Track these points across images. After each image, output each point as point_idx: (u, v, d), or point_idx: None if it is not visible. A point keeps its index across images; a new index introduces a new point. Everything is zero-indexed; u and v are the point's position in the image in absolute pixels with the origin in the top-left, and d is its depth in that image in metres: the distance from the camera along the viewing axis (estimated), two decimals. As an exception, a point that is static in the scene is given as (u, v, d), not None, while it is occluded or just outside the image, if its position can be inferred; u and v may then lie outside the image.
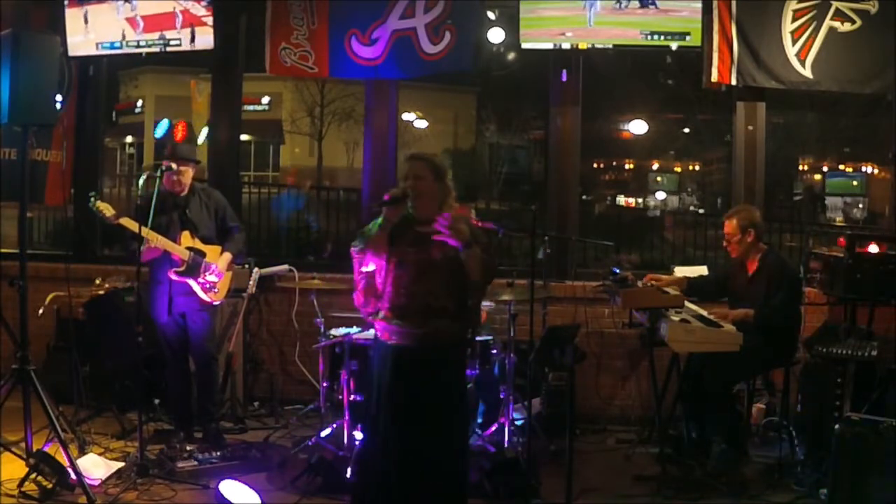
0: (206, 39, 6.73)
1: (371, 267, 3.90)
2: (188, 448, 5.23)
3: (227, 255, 5.59)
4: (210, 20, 6.68)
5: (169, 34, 6.81)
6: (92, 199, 5.27)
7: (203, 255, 5.49)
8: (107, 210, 5.25)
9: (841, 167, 16.43)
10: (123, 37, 6.90)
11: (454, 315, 3.91)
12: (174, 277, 5.41)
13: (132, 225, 5.17)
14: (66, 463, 4.66)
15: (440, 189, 3.96)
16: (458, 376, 4.09)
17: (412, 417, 3.86)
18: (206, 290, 5.49)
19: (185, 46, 6.80)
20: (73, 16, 6.92)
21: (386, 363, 3.93)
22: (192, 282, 5.45)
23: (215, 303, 5.59)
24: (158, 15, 6.81)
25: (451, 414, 3.96)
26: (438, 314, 3.87)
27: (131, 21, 6.88)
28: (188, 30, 6.74)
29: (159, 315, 5.49)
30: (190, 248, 5.44)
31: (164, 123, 20.56)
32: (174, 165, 5.42)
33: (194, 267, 5.45)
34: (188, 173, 5.53)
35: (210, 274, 5.49)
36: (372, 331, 5.40)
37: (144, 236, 5.11)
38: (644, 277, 5.72)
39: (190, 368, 5.68)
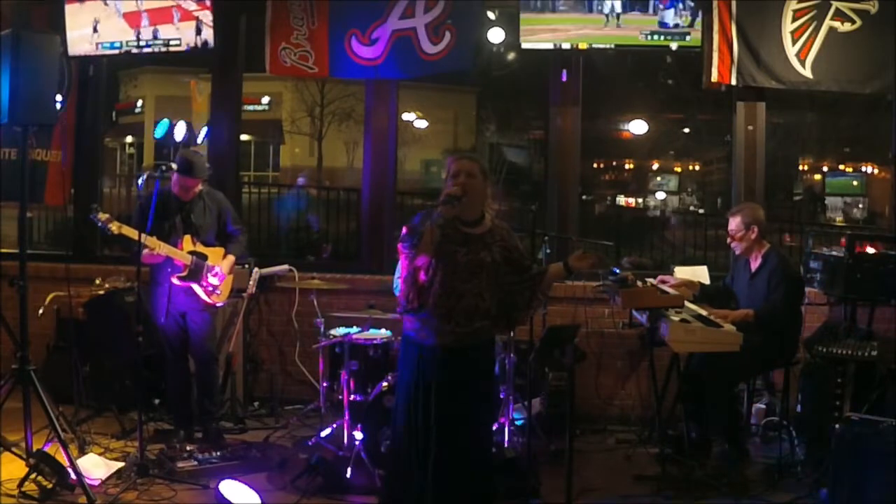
0: (206, 34, 6.70)
1: (418, 263, 3.89)
2: (188, 448, 5.23)
3: (231, 259, 5.61)
4: (201, 14, 6.64)
5: (169, 34, 6.80)
6: (94, 209, 5.28)
7: (205, 257, 5.50)
8: (108, 220, 5.26)
9: (841, 167, 16.41)
10: (138, 37, 6.87)
11: (495, 317, 3.97)
12: (177, 283, 5.43)
13: (134, 234, 5.17)
14: (66, 463, 4.66)
15: (485, 190, 4.00)
16: (492, 375, 4.30)
17: (451, 416, 3.88)
18: (208, 293, 5.51)
19: (190, 42, 6.72)
20: (73, 12, 6.88)
21: (423, 363, 3.93)
22: (195, 286, 5.47)
23: (218, 304, 5.61)
24: (157, 10, 6.79)
25: (485, 411, 4.06)
26: (483, 315, 3.91)
27: (133, 16, 6.85)
28: (192, 23, 6.69)
29: (158, 316, 5.50)
30: (191, 253, 5.46)
31: (164, 123, 20.46)
32: (174, 166, 5.43)
33: (196, 271, 5.46)
34: (198, 185, 5.55)
35: (213, 276, 5.50)
36: (372, 331, 5.49)
37: (147, 244, 5.14)
38: (656, 279, 5.72)
39: (190, 368, 5.69)
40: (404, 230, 3.95)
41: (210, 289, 5.51)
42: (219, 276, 5.53)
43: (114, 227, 5.23)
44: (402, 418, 4.03)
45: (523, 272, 4.03)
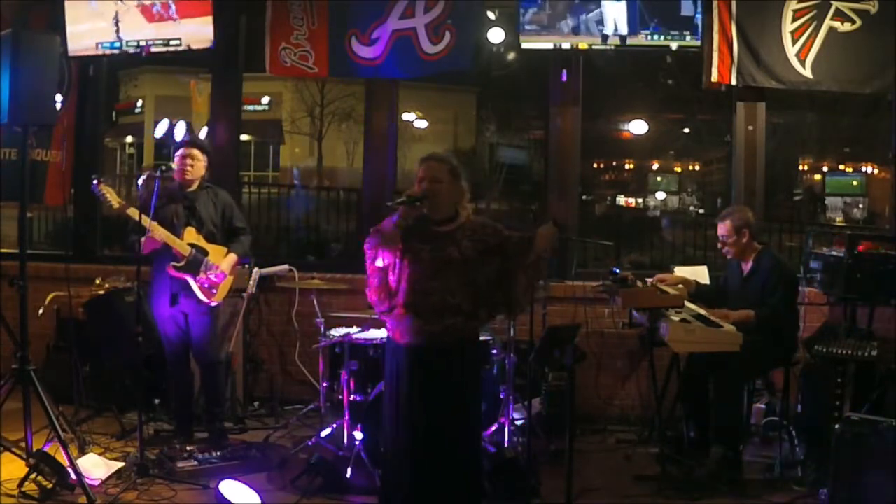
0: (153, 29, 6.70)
1: (381, 262, 3.90)
2: (188, 448, 5.22)
3: (233, 257, 5.54)
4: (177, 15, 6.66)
5: (169, 34, 6.79)
6: (96, 181, 5.22)
7: (205, 253, 5.44)
8: (110, 195, 5.22)
9: (841, 167, 16.40)
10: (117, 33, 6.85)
11: (469, 314, 3.93)
12: (172, 272, 5.37)
13: (135, 213, 5.13)
14: (66, 463, 4.66)
15: (456, 190, 3.98)
16: (475, 374, 4.13)
17: (430, 416, 3.88)
18: (203, 290, 5.44)
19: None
20: (72, 8, 6.85)
21: (401, 363, 3.94)
22: (190, 279, 5.40)
23: (212, 304, 5.51)
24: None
25: (468, 412, 4.00)
26: (454, 312, 3.89)
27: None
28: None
29: (160, 308, 5.44)
30: (192, 245, 5.40)
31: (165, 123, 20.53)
32: (174, 166, 5.42)
33: (194, 264, 5.39)
34: (200, 163, 5.50)
35: (211, 274, 5.45)
36: (372, 331, 5.49)
37: (146, 226, 5.10)
38: (654, 278, 5.72)
39: (191, 370, 5.67)
40: (371, 231, 3.97)
41: (206, 286, 5.43)
42: (218, 275, 5.47)
43: (109, 194, 5.19)
44: (387, 419, 4.04)
45: (511, 253, 3.95)
